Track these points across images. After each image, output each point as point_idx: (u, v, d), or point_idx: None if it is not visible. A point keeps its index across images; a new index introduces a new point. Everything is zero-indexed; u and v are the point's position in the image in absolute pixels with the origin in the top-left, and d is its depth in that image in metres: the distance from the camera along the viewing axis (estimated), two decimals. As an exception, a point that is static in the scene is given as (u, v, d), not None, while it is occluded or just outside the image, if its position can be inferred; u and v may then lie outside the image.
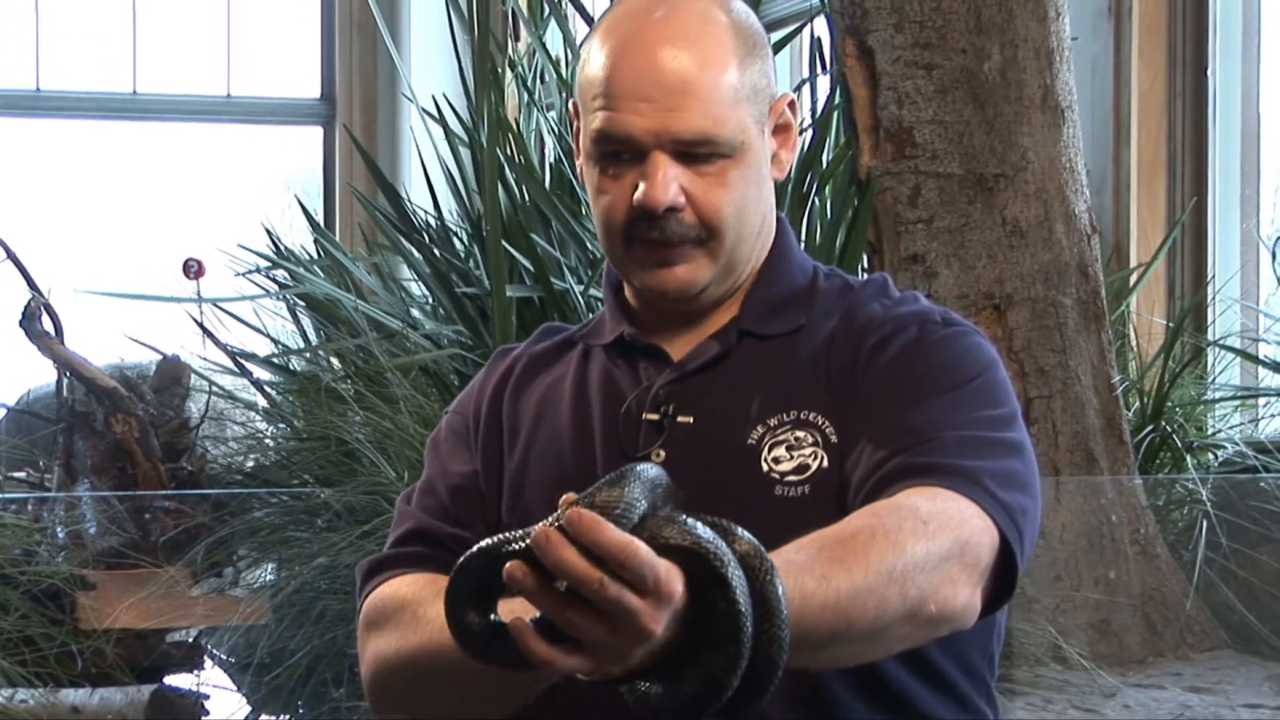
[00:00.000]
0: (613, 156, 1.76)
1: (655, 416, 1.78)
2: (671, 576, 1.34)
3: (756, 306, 1.82)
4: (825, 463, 1.71)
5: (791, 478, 1.71)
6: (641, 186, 1.74)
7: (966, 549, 1.60)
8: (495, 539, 1.40)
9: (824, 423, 1.73)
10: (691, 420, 1.77)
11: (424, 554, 1.81)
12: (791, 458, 1.72)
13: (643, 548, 1.32)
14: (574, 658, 1.36)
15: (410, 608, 1.72)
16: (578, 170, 1.88)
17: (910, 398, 1.71)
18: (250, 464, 4.41)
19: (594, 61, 1.78)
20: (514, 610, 1.39)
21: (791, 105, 1.84)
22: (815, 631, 1.47)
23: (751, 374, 1.78)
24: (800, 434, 1.73)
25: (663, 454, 1.75)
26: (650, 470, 1.43)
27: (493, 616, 1.42)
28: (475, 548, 1.41)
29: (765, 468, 1.72)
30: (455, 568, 1.43)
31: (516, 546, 1.37)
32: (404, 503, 1.88)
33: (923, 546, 1.55)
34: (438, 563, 1.79)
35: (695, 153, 1.74)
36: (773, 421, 1.74)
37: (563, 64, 4.99)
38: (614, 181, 1.76)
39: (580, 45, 1.86)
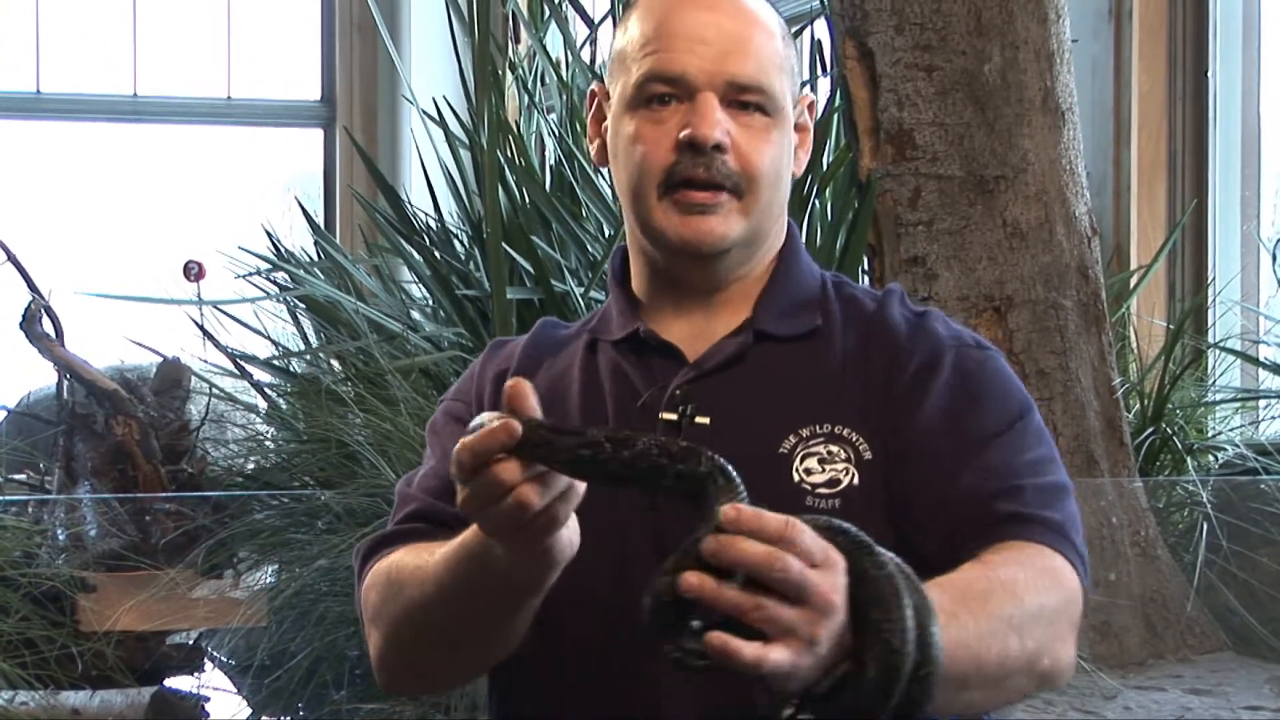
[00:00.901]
0: (658, 99, 1.77)
1: (673, 416, 1.77)
2: (829, 548, 1.38)
3: (771, 308, 1.82)
4: (856, 479, 1.72)
5: (823, 490, 1.72)
6: (691, 121, 1.75)
7: (1069, 606, 1.64)
8: (658, 581, 1.41)
9: (858, 439, 1.73)
10: (709, 422, 1.76)
11: (425, 530, 1.79)
12: (824, 470, 1.72)
13: (799, 523, 1.37)
14: (776, 649, 1.36)
15: (409, 569, 1.71)
16: (590, 153, 1.89)
17: (977, 436, 1.72)
18: (251, 466, 4.41)
19: (639, 21, 1.81)
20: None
21: (810, 107, 1.88)
22: (949, 670, 1.45)
23: (771, 379, 1.78)
24: (833, 448, 1.73)
25: None
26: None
27: (693, 624, 1.42)
28: (649, 596, 1.41)
29: (797, 478, 1.72)
30: (647, 609, 1.43)
31: (687, 564, 1.38)
32: (405, 486, 1.87)
33: (1037, 600, 1.59)
34: (439, 539, 1.78)
35: (744, 100, 1.77)
36: (805, 432, 1.74)
37: (563, 66, 4.99)
38: (656, 126, 1.78)
39: (616, 33, 1.87)
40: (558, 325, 1.94)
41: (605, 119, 1.85)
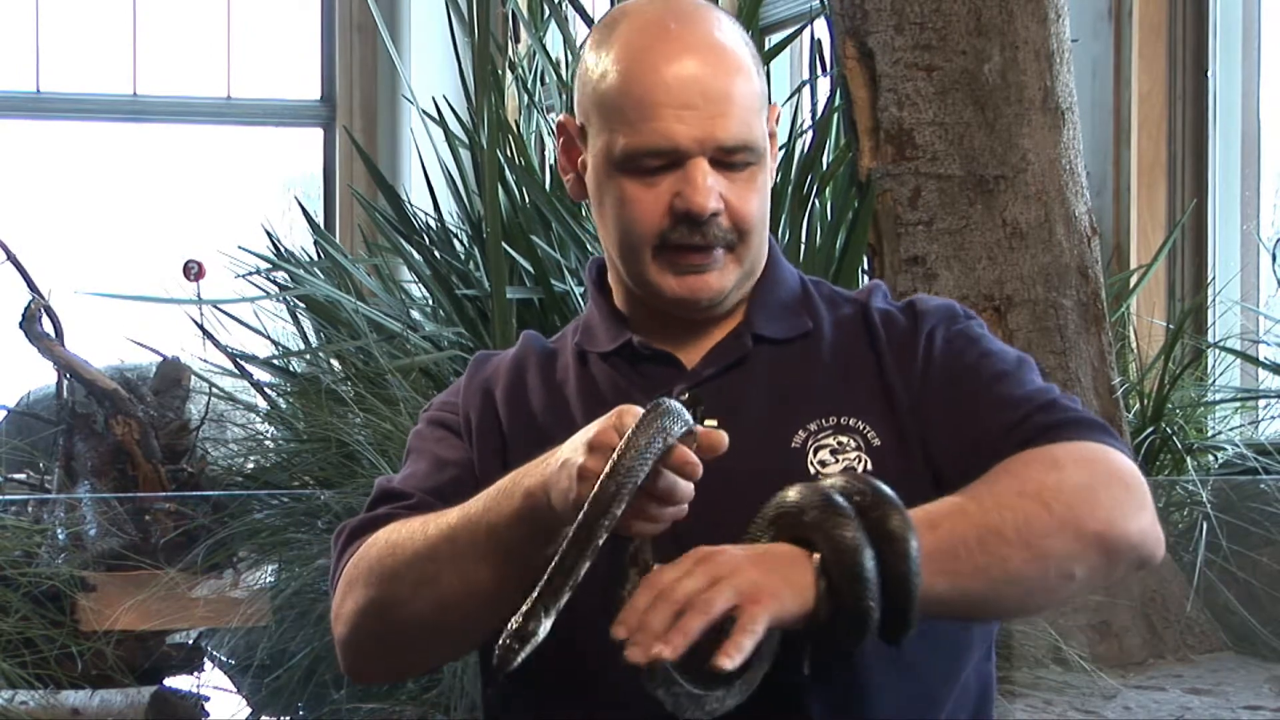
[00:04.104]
0: (650, 168, 1.77)
1: None
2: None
3: (763, 312, 1.85)
4: (869, 465, 1.76)
5: None
6: (685, 193, 1.76)
7: (1111, 475, 1.66)
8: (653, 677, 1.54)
9: (865, 427, 1.77)
10: (716, 424, 1.76)
11: (403, 512, 1.79)
12: (836, 460, 1.76)
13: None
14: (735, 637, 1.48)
15: (411, 530, 1.72)
16: (568, 183, 1.87)
17: (990, 376, 1.79)
18: (250, 466, 4.41)
19: (616, 76, 1.78)
20: None
21: (777, 116, 1.88)
22: (951, 545, 1.55)
23: (772, 379, 1.82)
24: (843, 438, 1.77)
25: None
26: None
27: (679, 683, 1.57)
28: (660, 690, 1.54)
29: (812, 470, 1.76)
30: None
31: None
32: (386, 483, 1.86)
33: (1054, 476, 1.63)
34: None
35: (732, 160, 1.77)
36: (813, 426, 1.78)
37: (563, 66, 4.99)
38: (647, 190, 1.77)
39: (587, 60, 1.85)
40: (540, 339, 1.95)
41: (581, 154, 1.84)
